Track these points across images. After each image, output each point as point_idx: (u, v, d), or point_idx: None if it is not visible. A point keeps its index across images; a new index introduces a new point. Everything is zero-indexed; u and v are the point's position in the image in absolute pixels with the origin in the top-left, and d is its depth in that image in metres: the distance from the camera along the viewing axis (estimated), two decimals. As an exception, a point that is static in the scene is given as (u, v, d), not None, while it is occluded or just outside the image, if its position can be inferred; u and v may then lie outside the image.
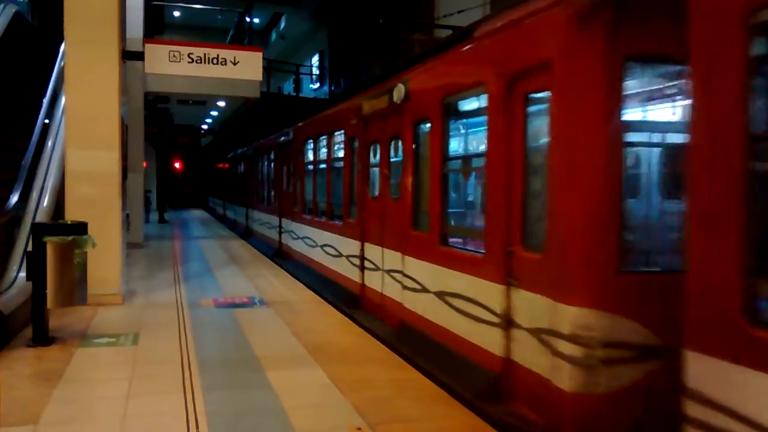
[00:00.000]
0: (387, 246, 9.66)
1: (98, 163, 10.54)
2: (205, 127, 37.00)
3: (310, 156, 16.16)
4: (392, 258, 9.38)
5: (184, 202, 47.71)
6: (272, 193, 20.88)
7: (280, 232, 19.02)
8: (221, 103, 25.39)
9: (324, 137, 14.52)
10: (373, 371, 7.14)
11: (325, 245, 13.62)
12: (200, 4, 29.25)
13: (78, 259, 7.86)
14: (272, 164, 20.93)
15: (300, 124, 17.07)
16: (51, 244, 7.68)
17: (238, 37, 33.49)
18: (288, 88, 38.34)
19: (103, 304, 10.21)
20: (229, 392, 6.31)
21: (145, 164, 21.47)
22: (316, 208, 15.22)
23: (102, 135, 10.61)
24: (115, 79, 10.78)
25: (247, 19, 23.51)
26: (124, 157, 12.89)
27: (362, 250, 11.02)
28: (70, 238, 7.79)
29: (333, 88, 34.88)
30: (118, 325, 9.05)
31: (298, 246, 16.62)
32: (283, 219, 18.82)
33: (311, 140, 15.76)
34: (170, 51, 15.48)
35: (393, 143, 9.67)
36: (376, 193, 10.39)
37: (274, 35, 42.79)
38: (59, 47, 14.69)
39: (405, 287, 8.91)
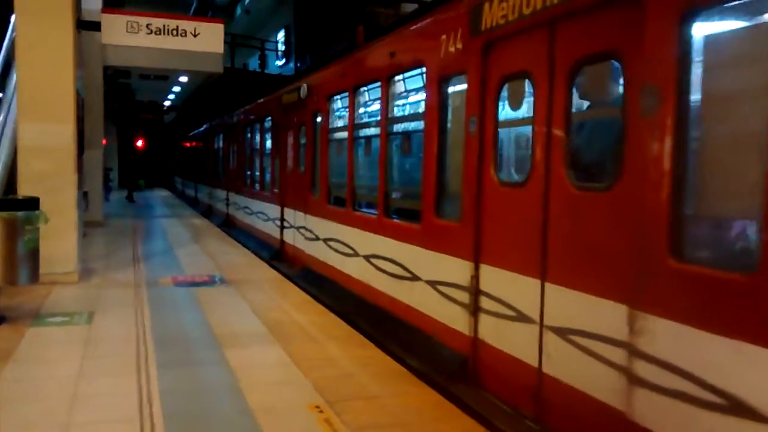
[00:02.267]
0: (297, 208, 12.56)
1: (51, 136, 10.27)
2: (167, 103, 36.55)
3: (249, 136, 18.54)
4: (299, 217, 12.29)
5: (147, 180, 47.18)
6: (221, 170, 23.27)
7: (227, 204, 21.24)
8: (184, 79, 25.13)
9: (257, 122, 16.87)
10: (335, 349, 6.99)
11: (260, 212, 16.22)
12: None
13: (29, 236, 7.71)
14: (222, 144, 22.98)
15: (243, 108, 19.06)
16: (-1, 219, 7.51)
17: (201, 11, 33.18)
18: (254, 64, 37.88)
19: (58, 283, 9.90)
20: (184, 370, 6.17)
21: (105, 141, 21.26)
22: (253, 181, 17.81)
23: (55, 108, 10.32)
24: (69, 50, 10.51)
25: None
26: (81, 132, 12.72)
27: (282, 213, 13.82)
28: (19, 213, 7.65)
29: (299, 64, 34.67)
30: (72, 304, 8.81)
31: (241, 215, 19.03)
32: (229, 193, 21.07)
33: (248, 124, 18.10)
34: (128, 21, 15.11)
35: (300, 128, 12.46)
36: (290, 167, 13.25)
37: (239, 10, 42.13)
38: (10, 17, 14.33)
39: (307, 238, 11.69)
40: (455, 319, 6.21)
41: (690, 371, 3.55)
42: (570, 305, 4.59)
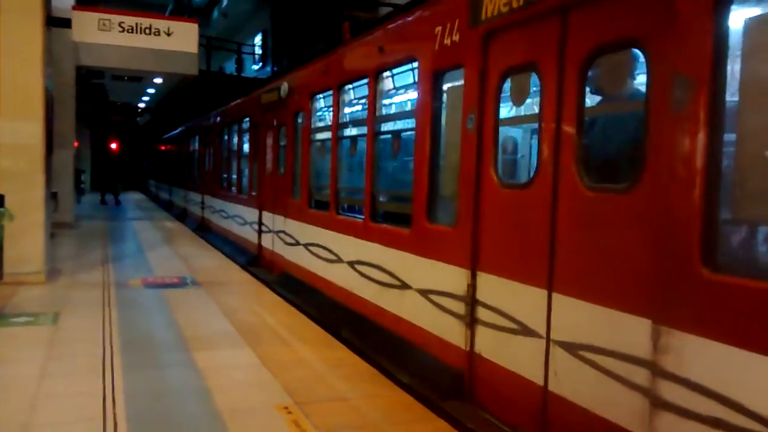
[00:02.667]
0: (276, 212, 12.05)
1: (18, 134, 10.02)
2: (142, 105, 36.13)
3: (226, 138, 17.94)
4: (278, 221, 11.80)
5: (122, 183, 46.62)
6: (196, 173, 22.68)
7: (203, 208, 20.64)
8: (158, 80, 24.78)
9: (235, 123, 16.36)
10: (305, 351, 6.96)
11: (236, 215, 15.69)
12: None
13: (-7, 233, 7.45)
14: (198, 146, 22.45)
15: (220, 109, 18.55)
16: (-41, 217, 7.23)
17: (177, 14, 32.83)
18: (230, 68, 37.67)
19: (24, 283, 9.69)
20: (150, 372, 6.08)
21: (77, 143, 20.88)
22: (229, 184, 17.22)
23: (23, 105, 10.09)
24: (37, 47, 10.24)
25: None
26: (50, 131, 12.40)
27: (260, 216, 13.33)
28: (-19, 210, 7.37)
29: (276, 69, 34.35)
30: (38, 305, 8.66)
31: (216, 219, 18.43)
32: (205, 195, 20.50)
33: (225, 125, 17.60)
34: (100, 19, 14.92)
35: (281, 129, 11.91)
36: (269, 169, 12.75)
37: (216, 13, 41.93)
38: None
39: (286, 243, 11.17)
40: (449, 330, 5.75)
41: (724, 394, 3.15)
42: (582, 318, 4.17)
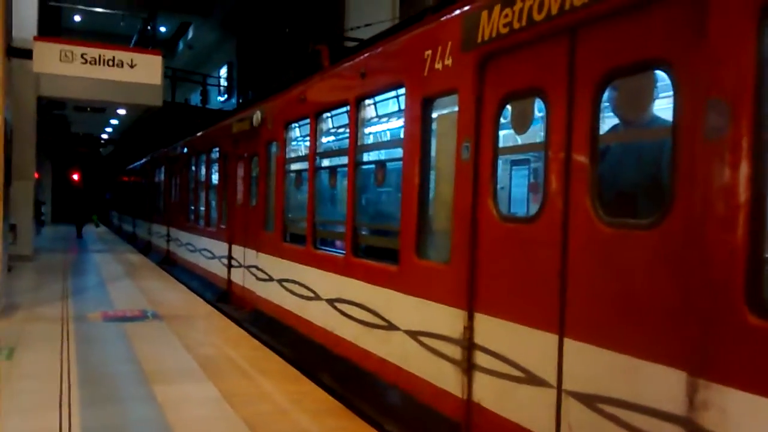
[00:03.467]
0: (247, 246, 11.52)
1: None
2: (105, 136, 35.70)
3: (193, 169, 17.41)
4: (250, 255, 11.25)
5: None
6: (162, 204, 22.12)
7: (168, 241, 20.07)
8: (122, 111, 24.49)
9: (203, 154, 15.93)
10: (268, 385, 6.86)
11: (204, 249, 15.13)
12: (102, 8, 28.13)
13: (-56, 265, 7.24)
14: (164, 177, 22.00)
15: (187, 139, 18.14)
16: None
17: (143, 45, 32.62)
18: (195, 99, 37.48)
19: None
20: (109, 407, 5.95)
21: (37, 175, 20.42)
22: (197, 216, 16.46)
23: None
24: None
25: (152, 27, 22.71)
26: (8, 162, 12.01)
27: (230, 250, 12.79)
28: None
29: (241, 100, 34.19)
30: None
31: (183, 252, 17.84)
32: (170, 228, 19.95)
33: (193, 155, 17.15)
34: (62, 50, 14.75)
35: (253, 159, 11.54)
36: (240, 201, 12.30)
37: (181, 45, 41.83)
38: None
39: (258, 279, 10.70)
40: (443, 377, 5.30)
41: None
42: (601, 367, 3.76)
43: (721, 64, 3.13)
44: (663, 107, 3.84)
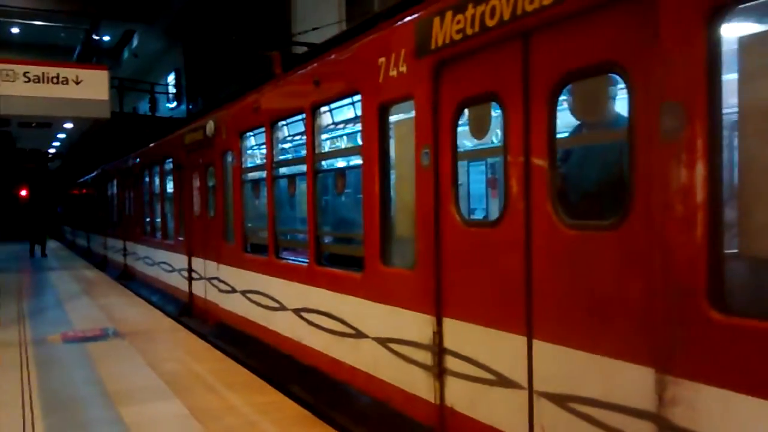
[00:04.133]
0: (207, 258, 11.30)
1: None
2: (53, 150, 35.01)
3: (147, 180, 17.17)
4: (211, 267, 11.05)
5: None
6: (116, 218, 21.57)
7: (125, 255, 19.60)
8: (69, 125, 24.03)
9: (156, 165, 15.59)
10: (234, 398, 6.86)
11: (163, 262, 14.80)
12: (41, 21, 27.56)
13: None
14: (117, 189, 21.52)
15: (139, 150, 17.65)
16: None
17: (86, 56, 32.15)
18: (144, 107, 36.97)
19: None
20: None
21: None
22: (153, 229, 16.23)
23: None
24: None
25: (95, 37, 22.33)
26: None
27: (189, 262, 12.49)
28: None
29: (191, 107, 33.83)
30: None
31: (141, 266, 17.43)
32: (127, 242, 19.50)
33: (146, 167, 16.81)
34: (2, 70, 14.52)
35: (208, 170, 11.37)
36: (198, 212, 12.08)
37: (126, 53, 41.21)
38: None
39: (221, 290, 10.55)
40: (415, 383, 5.29)
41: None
42: (571, 367, 3.80)
43: (673, 66, 3.18)
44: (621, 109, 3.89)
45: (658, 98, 3.26)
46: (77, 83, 15.70)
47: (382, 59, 5.70)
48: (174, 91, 37.96)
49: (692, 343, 3.09)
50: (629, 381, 3.40)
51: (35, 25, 28.81)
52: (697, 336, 3.07)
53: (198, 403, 6.64)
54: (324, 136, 7.76)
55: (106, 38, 38.24)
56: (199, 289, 12.05)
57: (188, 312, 12.50)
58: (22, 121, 21.73)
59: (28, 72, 14.98)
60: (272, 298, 8.44)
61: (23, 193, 45.28)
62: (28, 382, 7.58)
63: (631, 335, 3.42)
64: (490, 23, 4.39)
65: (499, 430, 4.41)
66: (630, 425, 3.41)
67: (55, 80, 15.41)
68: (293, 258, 8.33)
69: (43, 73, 15.27)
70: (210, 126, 10.82)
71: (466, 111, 4.89)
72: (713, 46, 3.03)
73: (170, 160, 14.26)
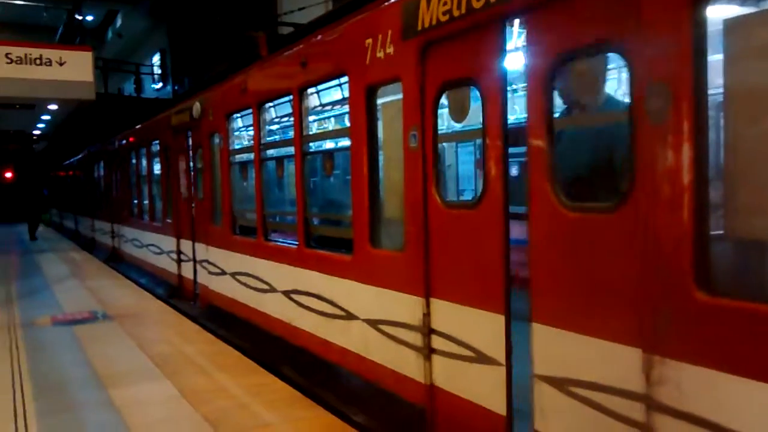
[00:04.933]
0: (197, 240, 11.32)
1: None
2: (37, 132, 34.69)
3: (134, 162, 17.10)
4: (200, 249, 11.08)
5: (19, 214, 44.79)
6: (104, 200, 21.53)
7: (113, 237, 19.62)
8: (53, 107, 23.80)
9: (143, 147, 15.50)
10: (225, 379, 6.86)
11: (151, 244, 14.79)
12: (22, 0, 27.20)
13: None
14: (104, 171, 21.53)
15: (125, 132, 17.56)
16: None
17: (69, 36, 31.77)
18: (129, 88, 36.71)
19: None
20: (66, 416, 5.88)
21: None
22: (141, 211, 16.16)
23: None
24: None
25: (78, 17, 22.10)
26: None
27: (178, 245, 12.49)
28: None
29: (176, 87, 33.60)
30: None
31: (129, 248, 17.45)
32: (114, 224, 19.57)
33: (132, 149, 16.74)
34: None
35: (197, 151, 11.32)
36: (185, 194, 12.02)
37: (110, 33, 40.86)
38: None
39: (210, 273, 10.49)
40: (405, 363, 5.33)
41: (728, 427, 2.93)
42: (553, 347, 3.87)
43: (658, 46, 3.19)
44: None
45: (646, 79, 3.26)
46: (61, 64, 15.53)
47: (369, 40, 5.69)
48: (159, 71, 37.68)
49: (679, 323, 3.11)
50: (611, 359, 3.46)
51: (16, 4, 28.44)
52: (683, 316, 3.10)
53: (189, 385, 6.63)
54: (311, 118, 7.73)
55: (90, 18, 37.85)
56: (188, 270, 12.07)
57: (177, 294, 12.50)
58: (4, 103, 21.55)
59: (10, 53, 14.79)
60: (262, 280, 8.46)
61: (8, 175, 45.00)
62: (18, 365, 7.58)
63: (614, 314, 3.46)
64: (476, 5, 4.39)
65: (484, 407, 4.48)
66: (617, 404, 3.45)
67: (38, 61, 15.23)
68: (282, 240, 8.32)
69: (25, 54, 15.08)
70: (197, 107, 10.74)
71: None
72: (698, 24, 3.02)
73: (157, 141, 14.18)
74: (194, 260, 11.60)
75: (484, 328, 4.45)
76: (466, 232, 4.63)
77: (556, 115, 4.09)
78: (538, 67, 4.00)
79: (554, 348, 3.89)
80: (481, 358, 4.51)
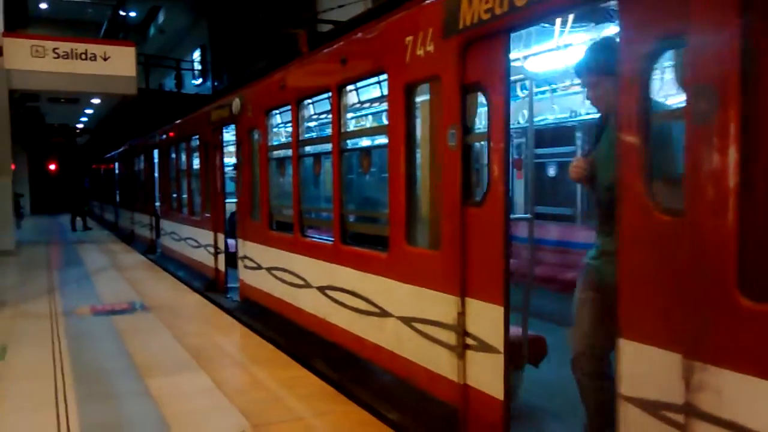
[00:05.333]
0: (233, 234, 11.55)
1: None
2: (80, 126, 35.32)
3: (174, 157, 17.12)
4: (237, 243, 11.17)
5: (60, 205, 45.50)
6: (144, 193, 21.58)
7: (152, 230, 19.99)
8: (96, 101, 24.22)
9: (183, 142, 15.56)
10: (260, 372, 6.91)
11: (189, 238, 14.96)
12: (69, -4, 27.76)
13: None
14: (144, 165, 21.57)
15: (165, 127, 17.62)
16: None
17: (112, 32, 32.30)
18: (170, 84, 37.13)
19: None
20: (105, 403, 5.97)
21: (13, 166, 20.20)
22: (180, 205, 16.42)
23: None
24: None
25: (122, 13, 22.43)
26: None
27: (215, 239, 12.62)
28: None
29: (216, 83, 33.91)
30: None
31: (168, 241, 17.58)
32: (154, 217, 19.77)
33: (172, 143, 16.78)
34: (33, 45, 14.64)
35: (234, 147, 11.47)
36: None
37: (152, 29, 41.34)
38: None
39: (246, 267, 10.55)
40: (439, 362, 5.33)
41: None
42: (643, 365, 3.56)
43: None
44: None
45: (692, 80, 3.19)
46: (105, 59, 15.81)
47: (410, 38, 5.70)
48: (199, 67, 38.05)
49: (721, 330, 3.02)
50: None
51: (63, 1, 28.96)
52: (725, 322, 3.01)
53: (224, 377, 6.70)
54: (349, 115, 7.76)
55: (133, 14, 38.41)
56: (225, 265, 12.22)
57: (214, 287, 12.61)
58: (51, 97, 21.98)
59: (57, 48, 15.08)
60: (297, 276, 8.50)
61: (52, 167, 45.82)
62: (59, 353, 7.67)
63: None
64: (519, 3, 4.38)
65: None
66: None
67: (83, 56, 15.51)
68: (318, 236, 8.37)
69: (71, 49, 15.36)
70: (236, 103, 10.81)
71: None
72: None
73: (196, 136, 14.32)
74: (224, 253, 12.03)
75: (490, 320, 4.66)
76: (480, 229, 4.79)
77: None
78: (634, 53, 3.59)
79: (645, 366, 3.55)
80: (485, 347, 4.71)
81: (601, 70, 4.20)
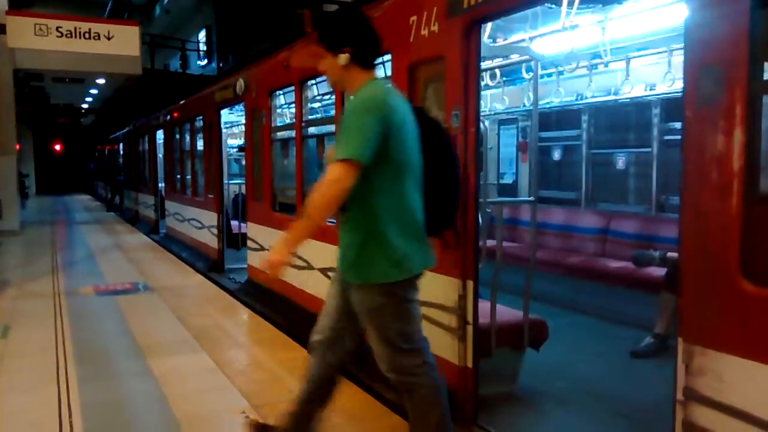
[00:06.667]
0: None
1: None
2: (85, 106, 35.26)
3: (177, 138, 17.05)
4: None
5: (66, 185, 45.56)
6: (147, 174, 21.90)
7: (156, 210, 20.10)
8: (101, 81, 24.14)
9: (187, 122, 15.51)
10: (261, 353, 6.93)
11: (192, 219, 14.99)
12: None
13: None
14: (148, 146, 21.66)
15: (169, 107, 17.63)
16: None
17: (118, 11, 32.20)
18: (175, 64, 37.03)
19: None
20: (106, 382, 5.99)
21: (18, 146, 20.18)
22: (183, 186, 16.48)
23: None
24: None
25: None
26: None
27: (219, 220, 12.70)
28: None
29: (221, 64, 33.81)
30: None
31: (171, 222, 17.74)
32: (157, 198, 19.87)
33: (176, 124, 16.70)
34: (36, 24, 14.57)
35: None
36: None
37: (158, 9, 41.21)
38: None
39: (249, 248, 10.67)
40: (440, 345, 5.24)
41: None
42: None
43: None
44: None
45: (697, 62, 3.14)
46: (109, 39, 15.73)
47: (414, 18, 5.64)
48: (204, 48, 37.92)
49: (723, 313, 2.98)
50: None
51: (68, -21, 28.87)
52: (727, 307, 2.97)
53: (225, 358, 6.71)
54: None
55: (138, -6, 38.27)
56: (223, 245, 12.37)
57: (217, 268, 12.63)
58: (55, 77, 21.94)
59: (60, 27, 15.00)
60: (300, 257, 8.47)
61: (57, 147, 45.88)
62: (62, 332, 7.69)
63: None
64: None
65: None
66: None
67: (87, 35, 15.44)
68: (322, 218, 8.33)
69: (75, 28, 15.28)
70: (240, 84, 10.77)
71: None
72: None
73: (200, 117, 14.27)
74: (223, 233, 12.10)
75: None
76: None
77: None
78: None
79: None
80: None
81: None
